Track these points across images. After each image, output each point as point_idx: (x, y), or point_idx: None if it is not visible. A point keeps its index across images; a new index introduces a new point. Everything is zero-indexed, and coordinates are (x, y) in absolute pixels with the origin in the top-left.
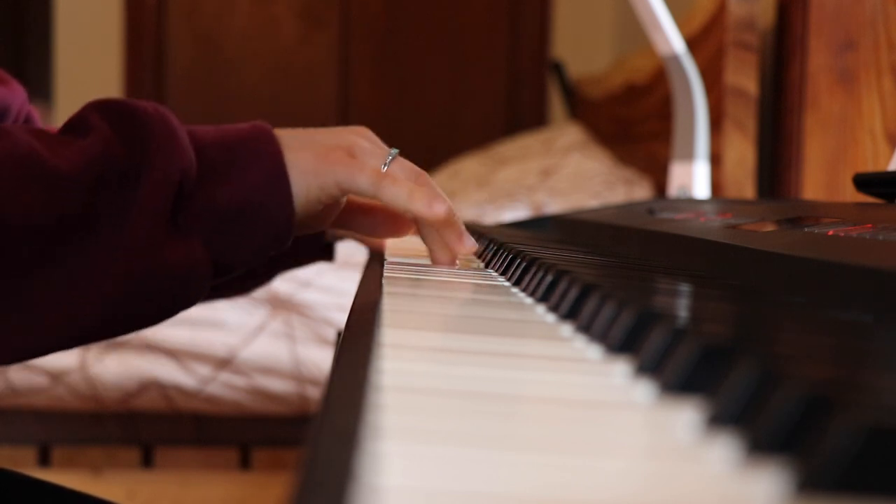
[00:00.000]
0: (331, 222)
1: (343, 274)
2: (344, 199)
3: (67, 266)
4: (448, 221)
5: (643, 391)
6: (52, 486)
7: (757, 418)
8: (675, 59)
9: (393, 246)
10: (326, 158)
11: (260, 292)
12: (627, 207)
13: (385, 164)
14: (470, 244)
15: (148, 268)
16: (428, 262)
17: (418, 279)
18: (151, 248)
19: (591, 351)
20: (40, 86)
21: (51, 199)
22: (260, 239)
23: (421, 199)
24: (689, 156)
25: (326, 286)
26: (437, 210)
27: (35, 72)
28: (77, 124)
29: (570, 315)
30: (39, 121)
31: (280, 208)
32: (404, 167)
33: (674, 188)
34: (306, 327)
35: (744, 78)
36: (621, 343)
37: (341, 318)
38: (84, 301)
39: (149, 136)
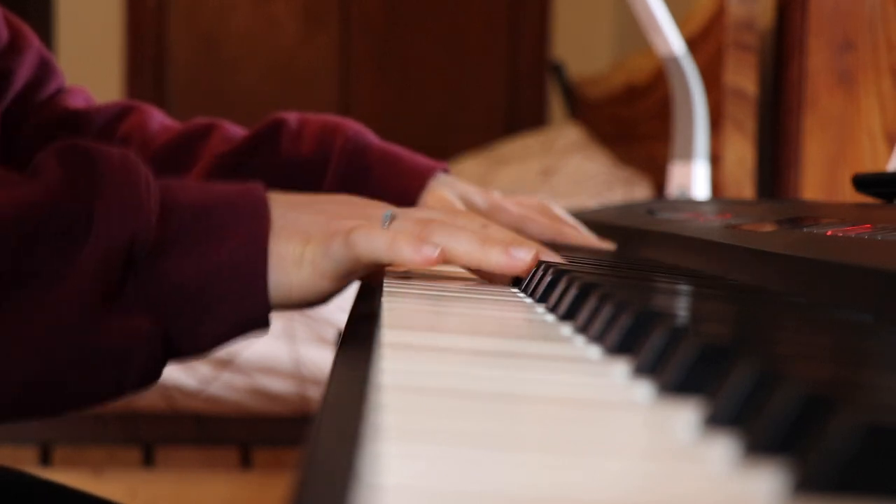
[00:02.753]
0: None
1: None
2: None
3: None
4: (479, 262)
5: (642, 391)
6: (53, 484)
7: (756, 418)
8: (675, 59)
9: None
10: (332, 229)
11: None
12: (627, 208)
13: (385, 225)
14: (520, 258)
15: (81, 340)
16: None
17: (418, 279)
18: (87, 319)
19: (590, 351)
20: None
21: None
22: (227, 325)
23: (405, 245)
24: (688, 156)
25: None
26: (426, 253)
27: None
28: (35, 165)
29: (569, 315)
30: (61, 76)
31: (253, 291)
32: (407, 220)
33: (673, 188)
34: (307, 327)
35: (743, 78)
36: (620, 343)
37: (342, 318)
38: (2, 370)
39: (101, 190)
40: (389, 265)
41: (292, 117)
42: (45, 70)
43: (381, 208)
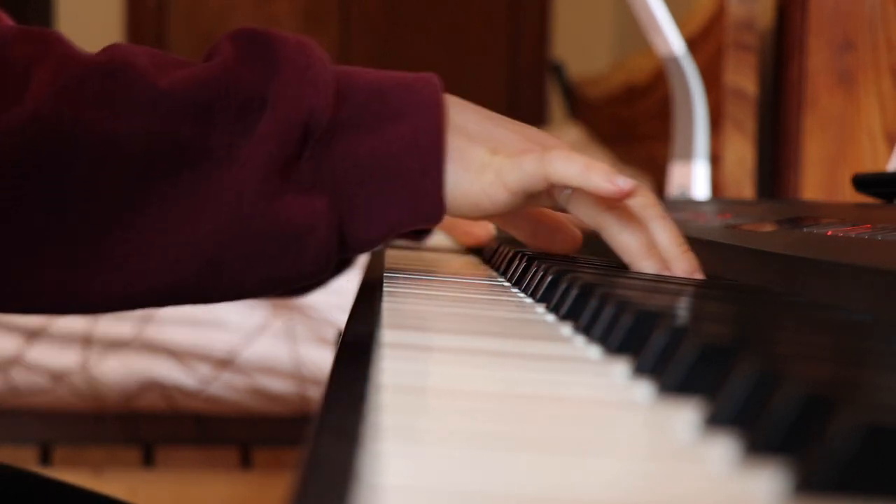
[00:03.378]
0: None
1: (344, 274)
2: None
3: (167, 202)
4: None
5: (643, 391)
6: (54, 481)
7: (756, 418)
8: (675, 59)
9: (394, 249)
10: (494, 157)
11: None
12: None
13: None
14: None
15: (257, 216)
16: (428, 264)
17: (418, 279)
18: (263, 195)
19: (590, 351)
20: None
21: (151, 120)
22: (400, 209)
23: (598, 174)
24: (688, 156)
25: (327, 286)
26: (621, 185)
27: None
28: (211, 50)
29: (569, 315)
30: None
31: (430, 174)
32: (587, 193)
33: (673, 188)
34: (307, 327)
35: (743, 78)
36: (621, 343)
37: (342, 318)
38: (181, 245)
39: (278, 64)
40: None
41: None
42: None
43: (560, 144)
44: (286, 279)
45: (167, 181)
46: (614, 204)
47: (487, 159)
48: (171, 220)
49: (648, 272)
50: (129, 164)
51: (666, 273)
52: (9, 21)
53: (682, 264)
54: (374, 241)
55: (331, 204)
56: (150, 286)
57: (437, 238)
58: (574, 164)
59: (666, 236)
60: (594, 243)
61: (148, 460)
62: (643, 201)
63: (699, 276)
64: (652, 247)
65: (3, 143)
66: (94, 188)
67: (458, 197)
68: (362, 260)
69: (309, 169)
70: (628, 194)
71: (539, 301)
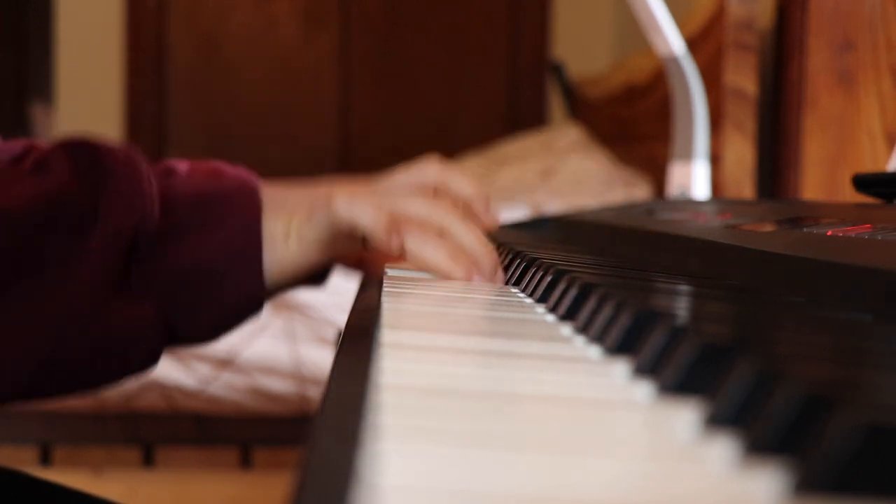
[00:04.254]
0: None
1: (344, 274)
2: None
3: (1, 310)
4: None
5: (642, 391)
6: (53, 485)
7: (756, 418)
8: (675, 59)
9: None
10: (320, 208)
11: None
12: (627, 208)
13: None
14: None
15: (90, 326)
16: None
17: (418, 279)
18: (95, 305)
19: (590, 351)
20: (41, 86)
21: None
22: (222, 309)
23: (383, 226)
24: (688, 156)
25: (327, 286)
26: (395, 247)
27: (35, 72)
28: (41, 160)
29: (569, 315)
30: None
31: (248, 275)
32: (379, 222)
33: (673, 188)
34: (307, 327)
35: (743, 78)
36: (620, 343)
37: (342, 318)
38: (15, 353)
39: (107, 182)
40: (364, 240)
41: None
42: None
43: (368, 186)
44: (117, 377)
45: (1, 291)
46: (408, 228)
47: (286, 226)
48: (3, 327)
49: (459, 278)
50: None
51: (473, 280)
52: None
53: (488, 262)
54: (204, 339)
55: (158, 310)
56: None
57: None
58: (359, 208)
59: (469, 239)
60: (594, 244)
61: (148, 460)
62: (439, 210)
63: (500, 276)
64: (459, 253)
65: None
66: None
67: (278, 276)
68: None
69: (137, 278)
70: (399, 260)
71: (539, 301)
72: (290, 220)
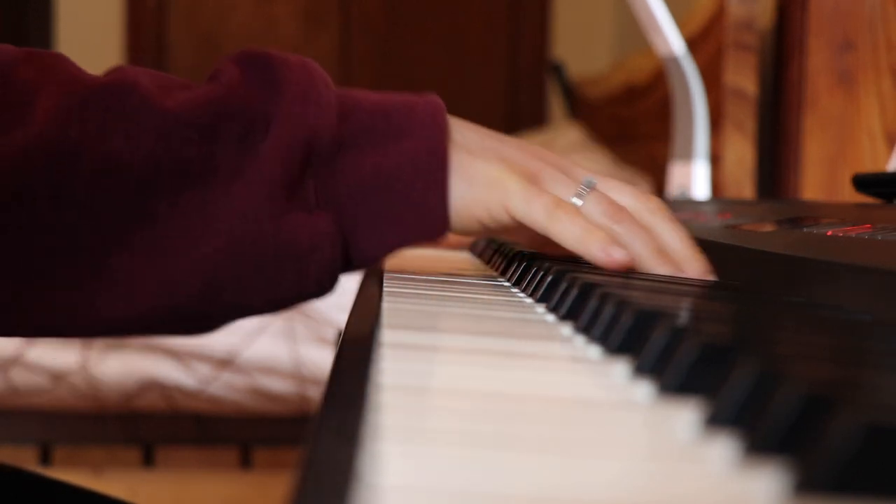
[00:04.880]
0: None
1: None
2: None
3: (171, 221)
4: (642, 264)
5: (643, 391)
6: (55, 482)
7: (756, 418)
8: (675, 59)
9: None
10: (502, 173)
11: None
12: None
13: (579, 195)
14: (695, 269)
15: (262, 238)
16: (428, 264)
17: (418, 279)
18: (268, 214)
19: (590, 351)
20: None
21: (157, 141)
22: (405, 225)
23: (595, 242)
24: (688, 156)
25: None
26: (616, 257)
27: None
28: (214, 71)
29: (569, 315)
30: None
31: (434, 190)
32: (601, 203)
33: (673, 188)
34: (307, 327)
35: (743, 78)
36: (621, 343)
37: (342, 318)
38: (183, 265)
39: (281, 85)
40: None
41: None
42: None
43: (581, 174)
44: (289, 298)
45: (171, 201)
46: (622, 217)
47: (497, 175)
48: (174, 239)
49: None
50: (133, 185)
51: (679, 275)
52: (11, 48)
53: (694, 266)
54: (379, 257)
55: (335, 222)
56: (151, 306)
57: None
58: (575, 228)
59: (676, 240)
60: None
61: (148, 460)
62: (650, 206)
63: (711, 277)
64: (663, 253)
65: (6, 164)
66: (99, 208)
67: (461, 210)
68: None
69: (313, 188)
70: (621, 266)
71: (539, 301)
72: (505, 170)
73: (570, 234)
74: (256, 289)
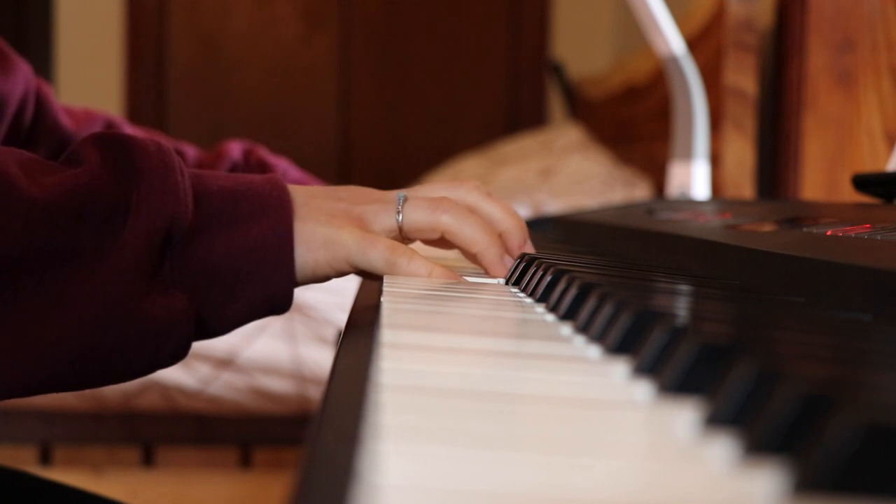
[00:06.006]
0: None
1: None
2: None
3: (38, 302)
4: (481, 255)
5: (642, 391)
6: (54, 483)
7: (755, 417)
8: (675, 59)
9: None
10: (335, 232)
11: None
12: (627, 208)
13: (398, 212)
14: (501, 270)
15: (124, 317)
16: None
17: (418, 279)
18: (130, 297)
19: (590, 351)
20: None
21: (25, 227)
22: (254, 302)
23: (439, 271)
24: (688, 156)
25: (327, 286)
26: (454, 276)
27: (35, 72)
28: (72, 155)
29: (569, 315)
30: (52, 95)
31: (280, 270)
32: (420, 205)
33: (673, 188)
34: (307, 327)
35: (743, 78)
36: (620, 343)
37: (342, 318)
38: (53, 343)
39: (141, 175)
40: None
41: (236, 149)
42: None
43: (393, 193)
44: (147, 368)
45: (37, 282)
46: (443, 205)
47: (332, 235)
48: (41, 319)
49: (493, 256)
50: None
51: (504, 254)
52: None
53: (519, 233)
54: (231, 329)
55: (190, 302)
56: (26, 376)
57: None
58: (419, 266)
59: (498, 211)
60: (594, 244)
61: (148, 460)
62: (465, 188)
63: (530, 247)
64: (493, 231)
65: None
66: None
67: (308, 274)
68: None
69: (170, 271)
70: (441, 275)
71: (539, 301)
72: (339, 229)
73: (417, 270)
74: (122, 360)
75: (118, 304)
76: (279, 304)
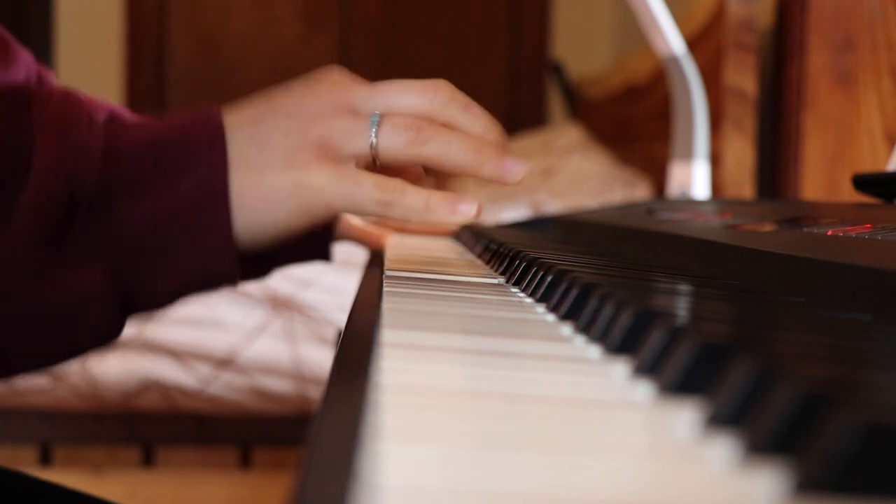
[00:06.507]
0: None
1: (344, 273)
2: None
3: None
4: (474, 172)
5: (642, 391)
6: (53, 485)
7: (755, 417)
8: (675, 59)
9: (393, 249)
10: (301, 175)
11: (260, 292)
12: (627, 208)
13: (373, 136)
14: (514, 171)
15: (24, 296)
16: (428, 264)
17: (418, 278)
18: (29, 273)
19: (590, 351)
20: None
21: None
22: (187, 273)
23: (441, 206)
24: (688, 156)
25: (327, 286)
26: (465, 211)
27: None
28: None
29: (569, 315)
30: (54, 80)
31: (214, 233)
32: (397, 129)
33: (673, 188)
34: (307, 327)
35: (743, 78)
36: (620, 343)
37: (342, 318)
38: None
39: (36, 130)
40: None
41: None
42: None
43: (359, 100)
44: (67, 354)
45: None
46: (424, 132)
47: (297, 179)
48: None
49: (491, 173)
50: None
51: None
52: None
53: (502, 149)
54: (165, 304)
55: (107, 274)
56: None
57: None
58: (416, 202)
59: (479, 125)
60: (594, 244)
61: (148, 460)
62: (441, 99)
63: (520, 166)
64: (481, 144)
65: None
66: None
67: (279, 231)
68: (362, 259)
69: (81, 239)
70: (472, 217)
71: (539, 301)
72: (304, 168)
73: (413, 215)
74: (31, 347)
75: (16, 282)
76: (219, 274)
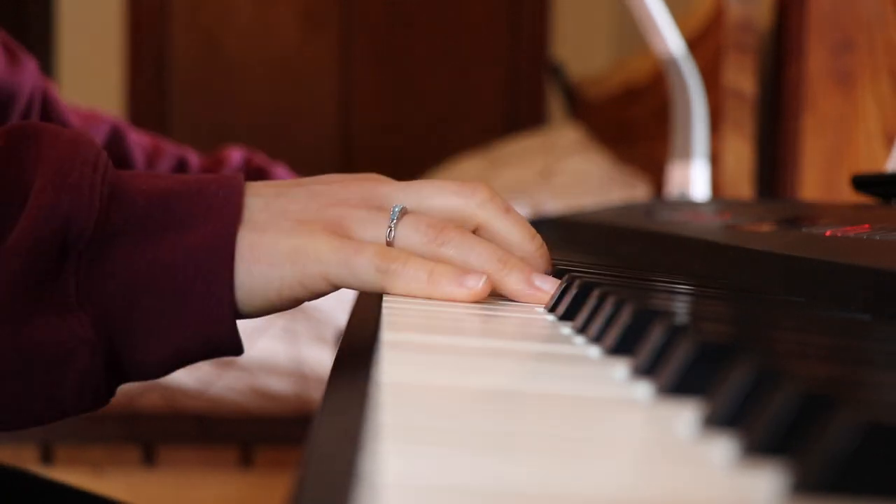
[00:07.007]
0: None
1: None
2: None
3: None
4: (497, 285)
5: (642, 390)
6: (55, 483)
7: (755, 417)
8: (674, 60)
9: None
10: (304, 240)
11: None
12: (626, 208)
13: (391, 229)
14: (542, 290)
15: (4, 340)
16: None
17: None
18: (10, 319)
19: (590, 350)
20: None
21: None
22: (181, 337)
23: (445, 280)
24: (687, 156)
25: None
26: (472, 286)
27: None
28: None
29: (569, 315)
30: (56, 92)
31: (214, 293)
32: (418, 228)
33: (673, 188)
34: (308, 327)
35: (742, 79)
36: (620, 342)
37: (343, 319)
38: None
39: (38, 167)
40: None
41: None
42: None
43: (388, 195)
44: (47, 412)
45: None
46: (446, 235)
47: (298, 243)
48: None
49: (514, 287)
50: None
51: (529, 285)
52: None
53: (540, 262)
54: (158, 368)
55: (96, 325)
56: None
57: None
58: (419, 275)
59: (514, 233)
60: (594, 244)
61: (148, 460)
62: (477, 200)
63: (551, 279)
64: (505, 258)
65: None
66: None
67: (270, 299)
68: None
69: (71, 286)
70: (480, 295)
71: None
72: (309, 236)
73: (416, 286)
74: (9, 401)
75: None
76: (218, 340)
